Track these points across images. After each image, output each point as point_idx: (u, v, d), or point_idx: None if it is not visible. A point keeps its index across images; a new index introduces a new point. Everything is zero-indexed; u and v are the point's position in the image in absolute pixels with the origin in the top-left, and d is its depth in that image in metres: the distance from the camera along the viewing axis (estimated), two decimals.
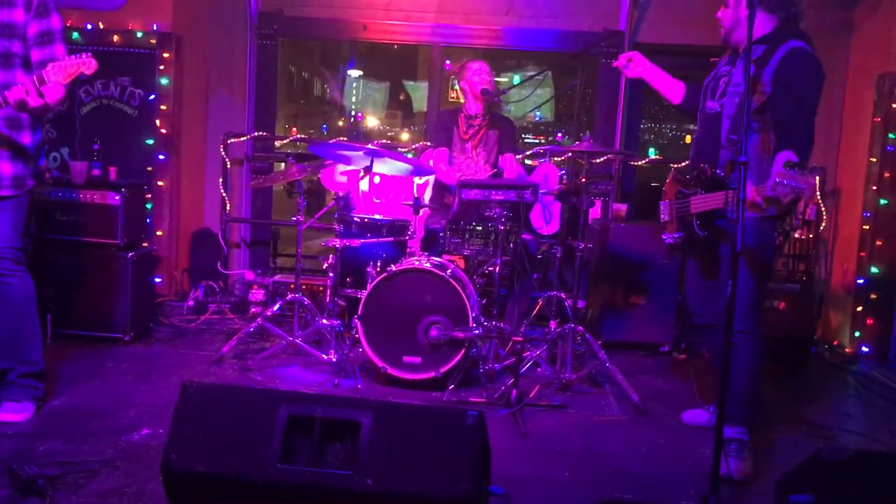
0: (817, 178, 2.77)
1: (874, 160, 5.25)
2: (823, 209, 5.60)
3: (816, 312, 5.50)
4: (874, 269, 5.21)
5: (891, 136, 5.14)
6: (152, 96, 5.57)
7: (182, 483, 2.22)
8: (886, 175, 5.16)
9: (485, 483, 2.40)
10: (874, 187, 5.23)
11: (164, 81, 5.58)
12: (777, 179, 2.81)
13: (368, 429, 2.21)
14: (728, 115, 3.33)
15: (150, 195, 5.45)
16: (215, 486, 2.20)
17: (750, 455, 3.32)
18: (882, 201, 5.17)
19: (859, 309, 5.32)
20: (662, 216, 3.75)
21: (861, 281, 5.31)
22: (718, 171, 3.33)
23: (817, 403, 4.43)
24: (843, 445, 3.68)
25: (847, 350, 5.37)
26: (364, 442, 2.19)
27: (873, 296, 5.23)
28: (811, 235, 5.56)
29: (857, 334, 5.32)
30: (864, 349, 5.24)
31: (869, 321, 5.24)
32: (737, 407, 3.31)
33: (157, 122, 5.59)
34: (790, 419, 4.03)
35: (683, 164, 3.99)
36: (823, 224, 5.63)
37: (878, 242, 5.21)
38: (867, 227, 5.29)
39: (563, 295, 4.59)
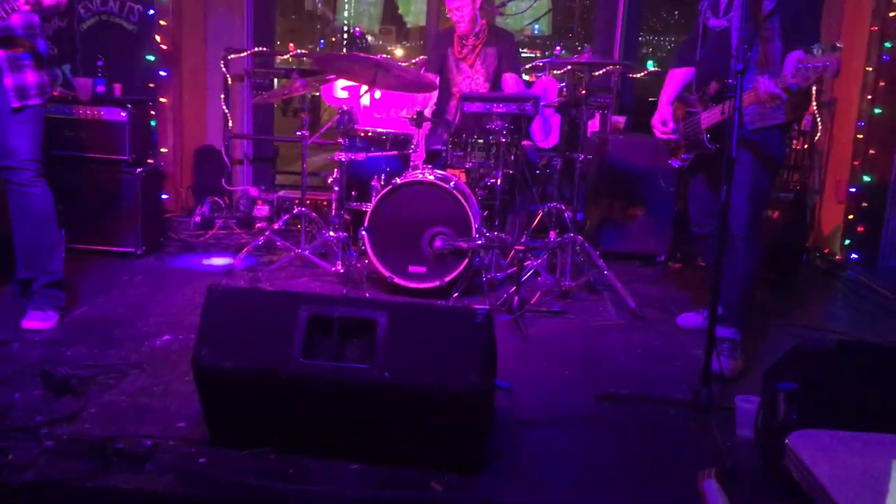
0: (839, 54, 2.82)
1: (870, 69, 5.30)
2: (819, 119, 5.67)
3: (809, 221, 5.64)
4: (866, 178, 5.32)
5: (887, 45, 5.17)
6: (151, 11, 5.56)
7: (211, 378, 2.37)
8: (881, 84, 5.22)
9: (491, 377, 2.57)
10: (869, 96, 5.30)
11: None
12: (799, 66, 2.87)
13: (384, 327, 2.35)
14: (737, 28, 3.30)
15: (153, 112, 5.50)
16: (243, 381, 2.36)
17: (741, 355, 3.48)
18: (876, 110, 5.25)
19: (850, 217, 5.45)
20: (671, 143, 3.76)
21: (853, 189, 5.42)
22: (730, 80, 3.29)
23: (807, 307, 4.61)
24: (824, 338, 3.86)
25: (837, 257, 5.53)
26: (380, 339, 2.34)
27: (865, 204, 5.36)
28: (806, 146, 5.66)
29: (847, 242, 5.47)
30: (854, 256, 5.40)
31: (860, 229, 5.38)
32: (731, 309, 3.45)
33: (158, 37, 5.59)
34: (781, 322, 4.20)
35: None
36: (818, 134, 5.71)
37: (872, 151, 5.30)
38: (861, 137, 5.38)
39: (562, 206, 4.71)
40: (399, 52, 17.25)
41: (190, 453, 2.44)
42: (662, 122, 3.74)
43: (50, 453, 2.38)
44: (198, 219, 5.71)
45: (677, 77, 3.80)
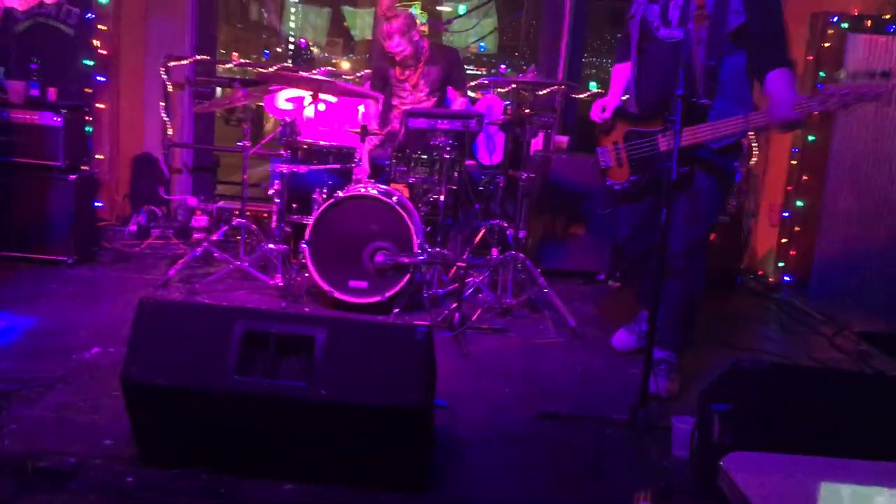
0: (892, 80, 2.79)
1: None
2: (755, 144, 5.81)
3: (744, 243, 5.77)
4: (799, 203, 5.45)
5: (821, 73, 5.32)
6: (90, 15, 5.42)
7: (141, 395, 2.30)
8: (815, 113, 5.35)
9: (431, 395, 2.54)
10: None
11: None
12: (831, 91, 2.85)
13: (322, 343, 2.31)
14: (701, 41, 3.12)
15: (89, 118, 5.35)
16: (174, 398, 2.28)
17: (677, 376, 3.52)
18: (810, 138, 5.39)
19: (784, 241, 5.58)
20: (605, 162, 3.57)
21: (786, 214, 5.56)
22: (703, 100, 3.17)
23: (741, 328, 4.69)
24: (758, 359, 3.92)
25: (771, 280, 5.66)
26: (318, 355, 2.29)
27: (797, 228, 5.49)
28: (743, 170, 5.78)
29: (780, 264, 5.59)
30: (787, 279, 5.52)
31: (792, 252, 5.51)
32: (670, 332, 3.46)
33: (96, 42, 5.46)
34: (716, 342, 4.25)
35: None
36: (754, 159, 5.85)
37: (805, 177, 5.43)
38: (794, 163, 5.52)
39: (504, 224, 4.72)
40: (346, 64, 17.16)
41: (117, 472, 2.35)
42: (602, 108, 3.57)
43: None
44: (134, 228, 5.57)
45: (624, 72, 3.65)
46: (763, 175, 5.94)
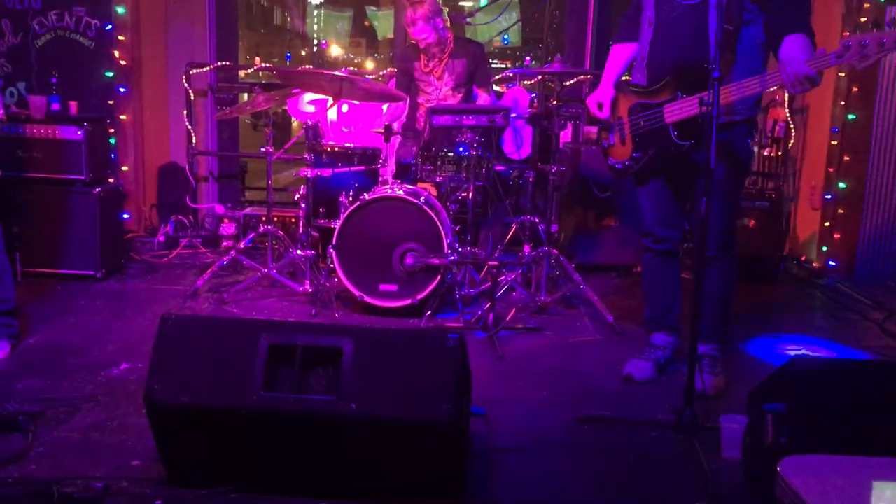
0: None
1: (842, 75, 5.26)
2: (792, 126, 5.62)
3: (785, 229, 5.58)
4: (841, 185, 5.27)
5: None
6: (109, 26, 5.40)
7: (165, 414, 2.22)
8: (854, 90, 5.18)
9: (466, 403, 2.43)
10: (842, 102, 5.25)
11: (120, 10, 5.40)
12: (849, 43, 2.67)
13: (350, 354, 2.21)
14: (717, 5, 2.90)
15: (112, 129, 5.32)
16: (199, 416, 2.20)
17: (722, 370, 3.37)
18: (850, 116, 5.20)
19: (826, 224, 5.39)
20: (608, 140, 3.40)
21: (828, 196, 5.37)
22: (714, 68, 2.90)
23: (786, 318, 4.52)
24: (812, 356, 3.76)
25: (814, 265, 5.47)
26: (346, 367, 2.20)
27: (840, 211, 5.30)
28: (780, 153, 5.60)
29: (824, 249, 5.41)
30: (831, 263, 5.34)
31: (836, 236, 5.32)
32: (710, 324, 3.29)
33: (116, 53, 5.43)
34: (760, 333, 4.10)
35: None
36: (792, 141, 5.66)
37: (846, 158, 5.25)
38: (835, 143, 5.33)
39: (536, 219, 4.61)
40: (370, 64, 17.14)
41: (144, 494, 2.28)
42: (598, 106, 3.38)
43: None
44: (162, 238, 5.53)
45: (623, 53, 3.44)
46: (802, 157, 5.75)
